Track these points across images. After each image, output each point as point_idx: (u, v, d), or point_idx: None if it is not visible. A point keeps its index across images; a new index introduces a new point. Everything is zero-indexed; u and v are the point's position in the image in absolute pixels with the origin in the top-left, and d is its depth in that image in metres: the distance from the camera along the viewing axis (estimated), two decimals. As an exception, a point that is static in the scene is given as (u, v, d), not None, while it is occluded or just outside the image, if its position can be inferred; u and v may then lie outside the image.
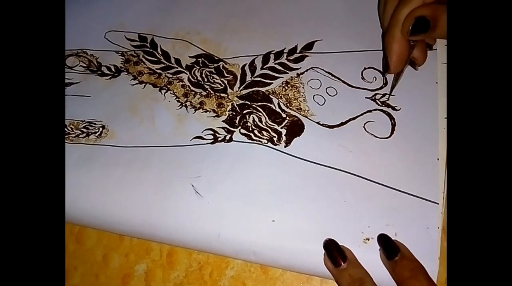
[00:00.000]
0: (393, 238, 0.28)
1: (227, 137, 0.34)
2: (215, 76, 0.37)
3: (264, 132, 0.33)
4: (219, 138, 0.34)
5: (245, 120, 0.34)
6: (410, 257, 0.27)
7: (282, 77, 0.36)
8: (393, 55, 0.31)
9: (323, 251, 0.28)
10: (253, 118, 0.34)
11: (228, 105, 0.35)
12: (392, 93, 0.34)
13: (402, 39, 0.30)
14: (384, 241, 0.28)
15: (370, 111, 0.33)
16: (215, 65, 0.37)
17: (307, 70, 0.36)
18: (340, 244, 0.28)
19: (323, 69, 0.35)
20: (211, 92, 0.36)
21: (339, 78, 0.35)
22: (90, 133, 0.35)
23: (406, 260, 0.26)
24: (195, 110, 0.35)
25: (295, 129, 0.33)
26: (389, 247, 0.27)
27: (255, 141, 0.33)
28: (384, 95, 0.34)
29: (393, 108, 0.33)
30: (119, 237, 0.33)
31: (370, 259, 0.28)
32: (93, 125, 0.36)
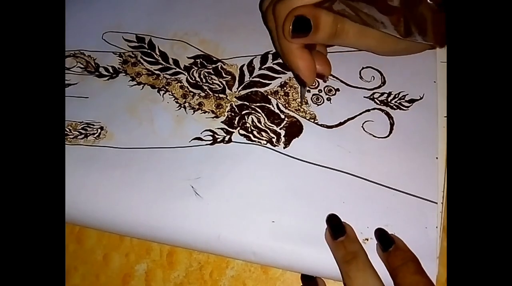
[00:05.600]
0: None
1: (226, 138, 0.34)
2: (213, 77, 0.37)
3: (263, 133, 0.33)
4: (218, 140, 0.34)
5: (244, 121, 0.34)
6: (404, 248, 0.28)
7: (281, 78, 0.36)
8: (303, 70, 0.30)
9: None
10: (252, 119, 0.34)
11: (227, 106, 0.35)
12: (304, 102, 0.34)
13: (302, 51, 0.30)
14: (380, 234, 0.29)
15: (368, 110, 0.34)
16: (214, 66, 0.37)
17: (305, 70, 0.36)
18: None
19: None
20: (210, 93, 0.36)
21: (337, 78, 0.35)
22: (88, 134, 0.35)
23: (399, 250, 0.28)
24: (194, 111, 0.35)
25: (294, 130, 0.33)
26: (384, 240, 0.28)
27: (254, 142, 0.33)
28: (382, 94, 0.34)
29: (399, 107, 0.33)
30: (119, 237, 0.33)
31: (370, 258, 0.28)
32: (92, 126, 0.35)
